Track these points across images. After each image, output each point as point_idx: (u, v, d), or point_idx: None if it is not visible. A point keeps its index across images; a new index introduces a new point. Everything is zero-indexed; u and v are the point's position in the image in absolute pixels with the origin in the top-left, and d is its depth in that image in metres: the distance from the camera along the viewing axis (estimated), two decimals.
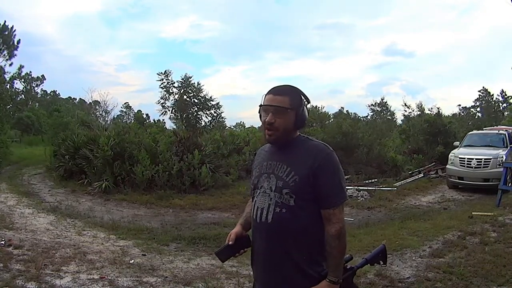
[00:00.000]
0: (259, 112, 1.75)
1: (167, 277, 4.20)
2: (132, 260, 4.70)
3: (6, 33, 26.59)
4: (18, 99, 40.74)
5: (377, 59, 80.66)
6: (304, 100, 1.72)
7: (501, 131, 12.02)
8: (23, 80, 43.02)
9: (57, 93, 53.90)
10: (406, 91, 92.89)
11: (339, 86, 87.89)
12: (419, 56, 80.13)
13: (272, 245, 1.66)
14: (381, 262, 1.84)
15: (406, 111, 19.12)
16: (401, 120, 22.44)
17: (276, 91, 1.70)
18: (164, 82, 18.36)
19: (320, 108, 22.37)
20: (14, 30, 26.98)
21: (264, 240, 1.69)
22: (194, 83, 18.73)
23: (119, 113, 46.35)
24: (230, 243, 1.80)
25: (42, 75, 47.53)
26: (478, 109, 46.46)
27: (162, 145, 10.54)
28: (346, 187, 1.95)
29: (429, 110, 18.02)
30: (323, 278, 1.60)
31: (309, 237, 1.63)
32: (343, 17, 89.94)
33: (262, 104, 1.71)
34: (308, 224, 1.63)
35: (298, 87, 1.74)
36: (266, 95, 1.72)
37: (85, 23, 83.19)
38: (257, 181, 1.76)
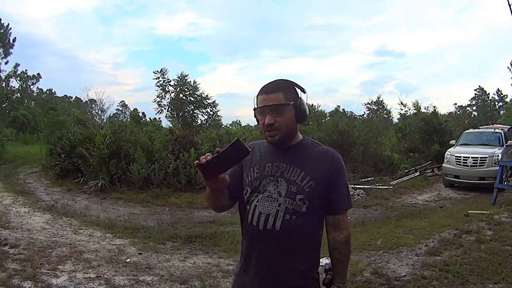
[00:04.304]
0: (255, 116, 1.60)
1: (163, 275, 4.19)
2: (129, 259, 4.69)
3: (2, 31, 26.42)
4: (14, 97, 40.58)
5: (371, 58, 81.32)
6: (300, 91, 1.58)
7: (497, 130, 12.09)
8: (18, 78, 42.86)
9: (53, 91, 54.01)
10: (401, 90, 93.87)
11: (334, 85, 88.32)
12: (414, 55, 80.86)
13: (279, 254, 1.53)
14: None
15: (402, 109, 19.18)
16: (397, 119, 22.55)
17: (268, 89, 1.55)
18: (160, 81, 18.32)
19: (316, 107, 22.32)
20: (10, 28, 26.89)
21: (268, 249, 1.54)
22: (190, 81, 18.71)
23: (115, 111, 46.39)
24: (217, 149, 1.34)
25: (38, 73, 47.46)
26: (474, 108, 46.74)
27: (158, 143, 10.51)
28: None
29: (425, 108, 18.14)
30: (318, 280, 1.58)
31: (313, 244, 1.60)
32: (337, 16, 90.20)
33: (256, 106, 1.58)
34: (314, 230, 1.58)
35: (290, 79, 1.60)
36: (258, 95, 1.58)
37: (80, 20, 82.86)
38: (258, 184, 1.58)
